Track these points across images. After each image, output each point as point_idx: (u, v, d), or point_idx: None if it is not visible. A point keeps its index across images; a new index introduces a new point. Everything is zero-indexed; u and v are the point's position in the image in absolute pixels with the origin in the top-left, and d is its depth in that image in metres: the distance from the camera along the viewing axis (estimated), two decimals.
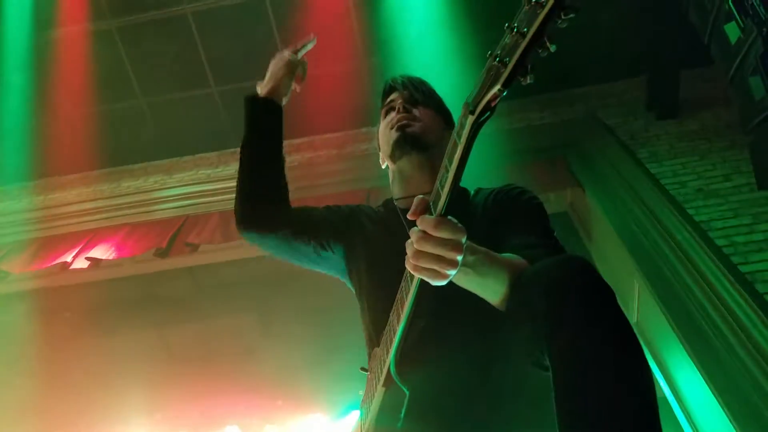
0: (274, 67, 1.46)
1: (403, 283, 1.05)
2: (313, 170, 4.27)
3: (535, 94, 4.44)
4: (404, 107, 1.46)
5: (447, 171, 0.88)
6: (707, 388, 2.35)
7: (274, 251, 1.43)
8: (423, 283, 0.98)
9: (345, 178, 4.15)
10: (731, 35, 2.95)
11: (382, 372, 1.13)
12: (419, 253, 0.91)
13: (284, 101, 1.47)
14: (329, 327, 3.68)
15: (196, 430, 4.41)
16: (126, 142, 4.54)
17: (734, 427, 2.18)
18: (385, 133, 1.49)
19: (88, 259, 4.14)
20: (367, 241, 1.42)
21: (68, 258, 4.14)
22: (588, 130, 4.10)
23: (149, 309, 4.34)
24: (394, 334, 1.08)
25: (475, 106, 0.80)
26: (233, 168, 4.53)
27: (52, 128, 4.29)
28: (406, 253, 0.97)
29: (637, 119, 4.12)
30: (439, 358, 1.17)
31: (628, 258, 3.11)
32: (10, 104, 4.18)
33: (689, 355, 2.49)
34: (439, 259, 0.90)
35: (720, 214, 3.20)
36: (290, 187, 4.87)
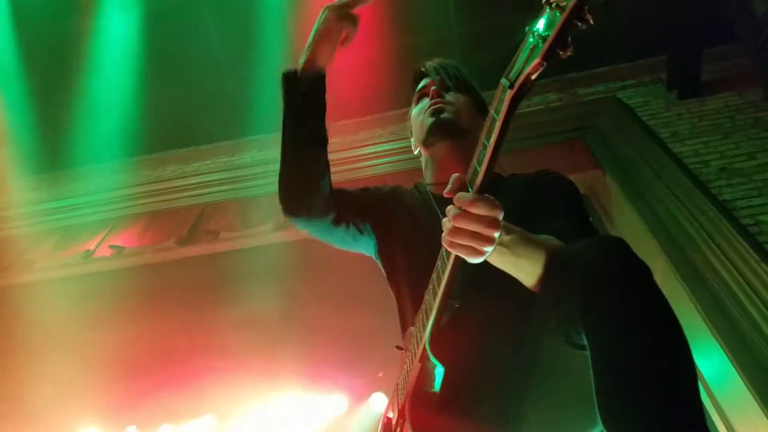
0: (320, 24, 1.26)
1: (438, 262, 1.06)
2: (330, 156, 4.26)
3: (553, 75, 4.37)
4: (438, 93, 1.45)
5: (485, 147, 0.88)
6: (734, 370, 2.32)
7: (317, 235, 1.43)
8: (458, 262, 0.99)
9: (359, 165, 4.14)
10: (758, 8, 2.86)
11: (417, 349, 1.14)
12: (456, 230, 0.92)
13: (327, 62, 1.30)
14: (350, 314, 3.69)
15: (221, 414, 4.48)
16: (142, 133, 4.56)
17: (763, 410, 2.15)
18: (418, 119, 1.49)
19: (111, 247, 4.21)
20: (405, 222, 1.43)
21: (92, 246, 4.22)
22: (607, 110, 4.03)
23: (170, 297, 4.40)
24: (430, 311, 1.09)
25: (514, 81, 0.80)
26: (249, 156, 4.57)
27: (70, 119, 4.33)
28: (440, 235, 0.98)
29: (657, 99, 4.04)
30: (474, 336, 1.19)
31: (650, 240, 3.07)
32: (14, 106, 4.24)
33: (715, 338, 2.46)
34: (476, 235, 0.91)
35: (744, 193, 3.14)
36: None
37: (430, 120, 1.42)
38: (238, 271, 4.12)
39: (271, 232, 3.96)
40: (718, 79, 3.98)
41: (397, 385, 1.28)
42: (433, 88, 1.47)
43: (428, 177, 1.51)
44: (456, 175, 0.96)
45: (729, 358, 2.35)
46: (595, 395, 0.86)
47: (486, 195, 0.91)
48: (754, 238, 2.79)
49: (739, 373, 2.29)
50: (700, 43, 3.88)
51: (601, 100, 4.15)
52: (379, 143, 4.19)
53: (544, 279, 1.02)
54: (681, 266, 2.84)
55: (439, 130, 1.41)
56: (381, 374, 3.76)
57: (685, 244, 2.94)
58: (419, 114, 1.49)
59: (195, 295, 4.35)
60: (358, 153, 4.21)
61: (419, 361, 1.14)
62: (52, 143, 4.45)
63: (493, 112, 0.86)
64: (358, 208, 1.45)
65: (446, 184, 1.37)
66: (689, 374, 0.84)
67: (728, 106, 3.80)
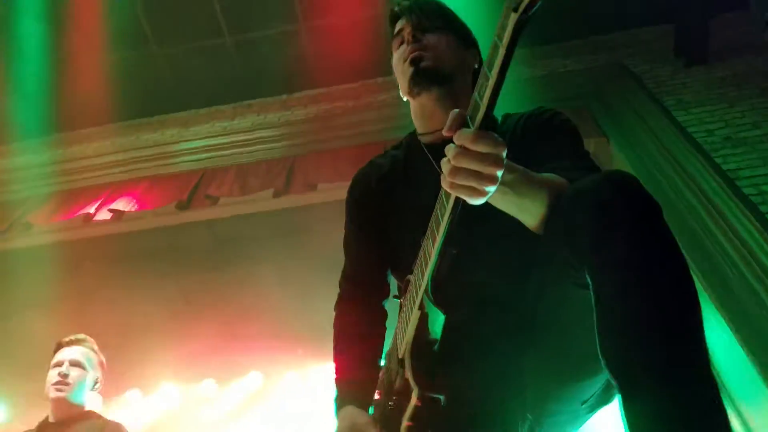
0: None
1: (437, 206, 1.01)
2: (330, 122, 4.22)
3: (559, 41, 4.28)
4: (414, 36, 1.35)
5: (487, 79, 0.82)
6: (734, 338, 2.33)
7: None
8: (458, 205, 0.95)
9: (362, 130, 4.09)
10: None
11: (417, 296, 1.11)
12: (456, 170, 0.87)
13: None
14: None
15: (220, 377, 4.54)
16: (141, 95, 4.50)
17: (762, 379, 2.16)
18: (398, 67, 1.40)
19: (110, 211, 4.19)
20: (394, 196, 1.40)
21: (91, 210, 4.20)
22: (613, 77, 3.97)
23: (169, 260, 4.40)
24: (429, 258, 1.04)
25: (518, 4, 0.74)
26: (249, 120, 4.51)
27: (69, 82, 4.25)
28: (436, 185, 0.94)
29: (664, 66, 3.97)
30: (475, 281, 1.17)
31: None
32: (26, 57, 4.14)
33: (715, 307, 2.46)
34: (478, 175, 0.87)
35: (748, 162, 3.12)
36: (307, 139, 4.82)
37: (410, 70, 1.33)
38: (237, 236, 4.12)
39: (271, 198, 3.94)
40: (727, 47, 3.90)
41: (395, 334, 1.25)
42: (408, 30, 1.36)
43: (418, 126, 1.45)
44: (456, 110, 0.90)
45: (728, 326, 2.36)
46: (597, 338, 0.84)
47: (488, 131, 0.86)
48: (756, 207, 2.77)
49: (738, 341, 2.30)
50: (709, 10, 3.79)
51: (607, 66, 4.08)
52: (382, 108, 4.13)
53: (549, 219, 0.98)
54: (683, 234, 2.83)
55: (422, 80, 1.32)
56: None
57: (687, 212, 2.93)
58: (399, 61, 1.38)
59: (193, 259, 4.35)
60: (360, 118, 4.16)
61: (419, 309, 1.11)
62: (53, 104, 4.37)
63: (496, 38, 0.79)
64: (384, 269, 1.46)
65: (437, 132, 1.31)
66: (696, 323, 0.82)
67: (735, 75, 3.74)
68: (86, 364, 2.46)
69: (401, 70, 1.38)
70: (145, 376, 4.47)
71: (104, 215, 4.20)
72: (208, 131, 4.53)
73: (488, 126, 0.86)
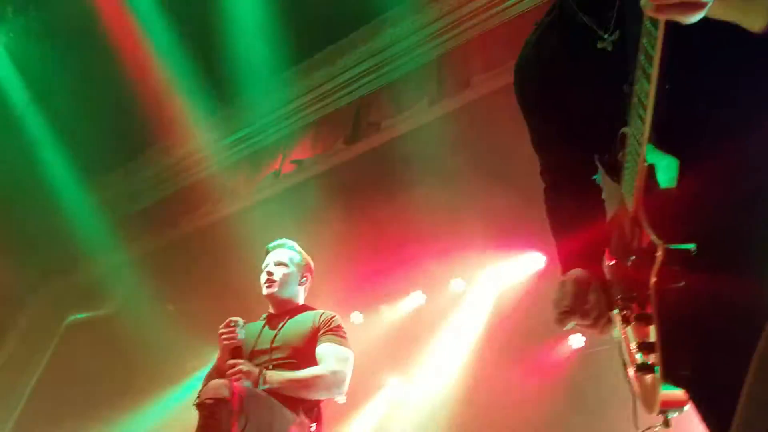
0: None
1: (643, 39, 0.89)
2: (466, 7, 3.93)
3: None
4: None
5: None
6: None
7: None
8: (669, 28, 0.82)
9: (503, 5, 3.74)
10: None
11: (639, 147, 1.00)
12: None
13: None
14: (521, 180, 3.54)
15: (425, 286, 4.76)
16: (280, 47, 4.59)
17: None
18: None
19: (293, 162, 4.53)
20: (568, 65, 1.26)
21: (277, 166, 4.60)
22: None
23: (355, 192, 4.61)
24: (647, 101, 0.92)
25: None
26: (387, 36, 4.40)
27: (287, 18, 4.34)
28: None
29: None
30: (705, 114, 1.04)
31: None
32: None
33: None
34: None
35: None
36: (448, 36, 4.55)
37: None
38: (406, 155, 4.14)
39: (427, 107, 3.89)
40: None
41: (621, 195, 1.15)
42: None
43: None
44: None
45: None
46: None
47: None
48: None
49: None
50: None
51: None
52: None
53: None
54: None
55: None
56: None
57: None
58: None
59: (375, 187, 4.51)
60: None
61: (645, 162, 0.99)
62: (211, 84, 4.71)
63: None
64: (582, 145, 1.30)
65: None
66: None
67: None
68: (290, 263, 2.67)
69: None
70: (364, 298, 4.84)
71: (288, 168, 4.56)
72: (354, 60, 4.54)
73: None
